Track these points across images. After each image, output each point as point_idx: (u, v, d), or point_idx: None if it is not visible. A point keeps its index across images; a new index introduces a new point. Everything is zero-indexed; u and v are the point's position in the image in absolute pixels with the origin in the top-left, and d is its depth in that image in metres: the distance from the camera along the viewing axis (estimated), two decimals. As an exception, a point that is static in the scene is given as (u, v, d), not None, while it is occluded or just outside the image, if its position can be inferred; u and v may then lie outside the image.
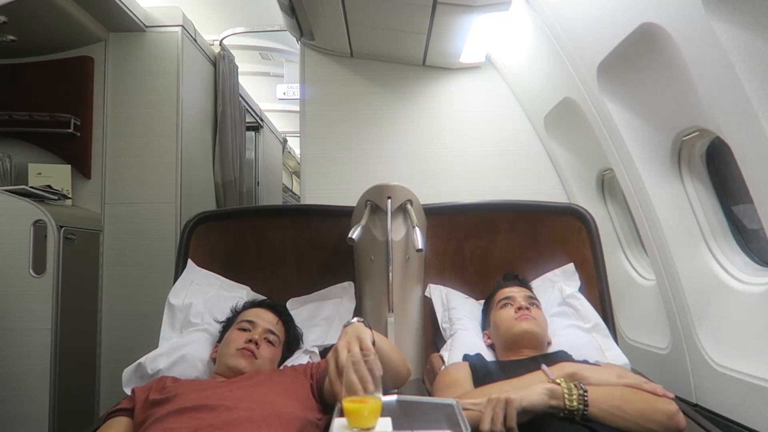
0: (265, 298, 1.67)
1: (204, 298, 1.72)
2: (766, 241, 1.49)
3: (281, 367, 1.49)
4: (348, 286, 1.84)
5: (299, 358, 1.57)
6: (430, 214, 1.87)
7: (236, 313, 1.56)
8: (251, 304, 1.57)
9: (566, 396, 1.07)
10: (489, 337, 1.62)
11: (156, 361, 1.50)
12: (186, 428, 1.10)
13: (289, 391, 1.28)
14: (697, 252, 1.62)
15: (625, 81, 1.65)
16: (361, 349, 1.04)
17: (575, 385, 1.09)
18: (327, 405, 1.28)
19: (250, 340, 1.40)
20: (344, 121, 2.64)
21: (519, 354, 1.46)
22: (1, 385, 1.99)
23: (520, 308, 1.50)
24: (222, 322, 1.59)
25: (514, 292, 1.58)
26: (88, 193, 2.58)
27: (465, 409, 1.09)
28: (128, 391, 1.46)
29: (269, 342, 1.45)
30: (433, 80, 2.65)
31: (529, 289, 1.65)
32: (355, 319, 1.16)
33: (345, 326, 1.14)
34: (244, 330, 1.45)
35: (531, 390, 1.09)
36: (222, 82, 3.12)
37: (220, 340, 1.52)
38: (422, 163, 2.61)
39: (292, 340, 1.57)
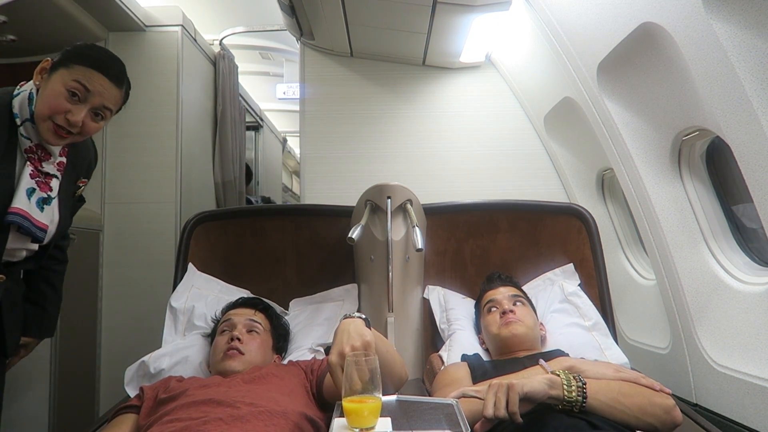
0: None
1: (205, 301, 1.73)
2: (766, 241, 1.49)
3: (285, 362, 1.50)
4: (351, 288, 1.84)
5: (305, 356, 1.58)
6: (430, 214, 1.88)
7: (218, 321, 1.56)
8: (228, 307, 1.57)
9: (565, 387, 1.08)
10: (483, 341, 1.62)
11: (159, 360, 1.51)
12: (193, 420, 1.10)
13: (291, 388, 1.28)
14: (697, 252, 1.62)
15: (625, 81, 1.65)
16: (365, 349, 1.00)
17: (574, 377, 1.10)
18: (325, 403, 1.28)
19: (231, 339, 1.41)
20: (344, 121, 2.64)
21: (513, 355, 1.47)
22: (1, 385, 1.99)
23: (504, 312, 1.50)
24: (209, 335, 1.58)
25: (498, 293, 1.58)
26: (88, 192, 2.56)
27: (468, 396, 1.10)
28: (129, 389, 1.48)
29: (252, 331, 1.46)
30: (433, 80, 2.65)
31: (514, 285, 1.64)
32: (356, 314, 1.10)
33: (345, 318, 1.08)
34: (225, 332, 1.45)
35: (532, 378, 1.09)
36: (222, 82, 3.12)
37: None
38: (422, 163, 2.61)
39: (278, 325, 1.57)
